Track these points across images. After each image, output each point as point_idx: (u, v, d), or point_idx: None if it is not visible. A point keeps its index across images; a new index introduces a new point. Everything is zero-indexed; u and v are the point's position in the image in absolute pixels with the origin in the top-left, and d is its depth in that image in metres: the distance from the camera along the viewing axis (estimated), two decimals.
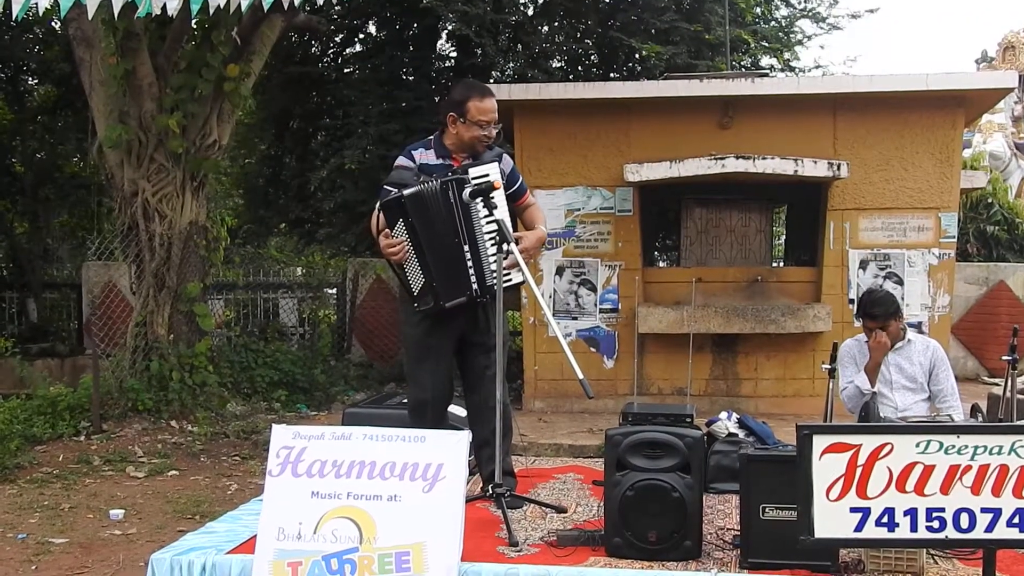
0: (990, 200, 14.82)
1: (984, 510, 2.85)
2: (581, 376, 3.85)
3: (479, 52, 13.57)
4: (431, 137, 4.62)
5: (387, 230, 4.31)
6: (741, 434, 4.92)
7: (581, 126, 9.48)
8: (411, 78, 14.43)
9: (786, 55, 15.22)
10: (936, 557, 3.57)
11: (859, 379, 5.34)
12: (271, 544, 3.41)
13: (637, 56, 13.79)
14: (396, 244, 4.29)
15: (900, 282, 9.22)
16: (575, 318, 9.53)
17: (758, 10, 14.99)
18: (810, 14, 15.57)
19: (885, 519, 2.87)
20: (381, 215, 4.33)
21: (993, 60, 29.81)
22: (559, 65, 14.56)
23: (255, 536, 3.54)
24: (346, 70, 15.39)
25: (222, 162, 10.46)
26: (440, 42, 15.18)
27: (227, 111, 9.99)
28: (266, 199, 16.24)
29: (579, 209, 9.53)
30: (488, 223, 4.27)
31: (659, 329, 9.12)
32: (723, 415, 5.10)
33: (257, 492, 4.12)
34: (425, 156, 4.53)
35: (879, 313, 5.32)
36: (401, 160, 4.55)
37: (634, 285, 9.40)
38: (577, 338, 9.47)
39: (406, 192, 4.25)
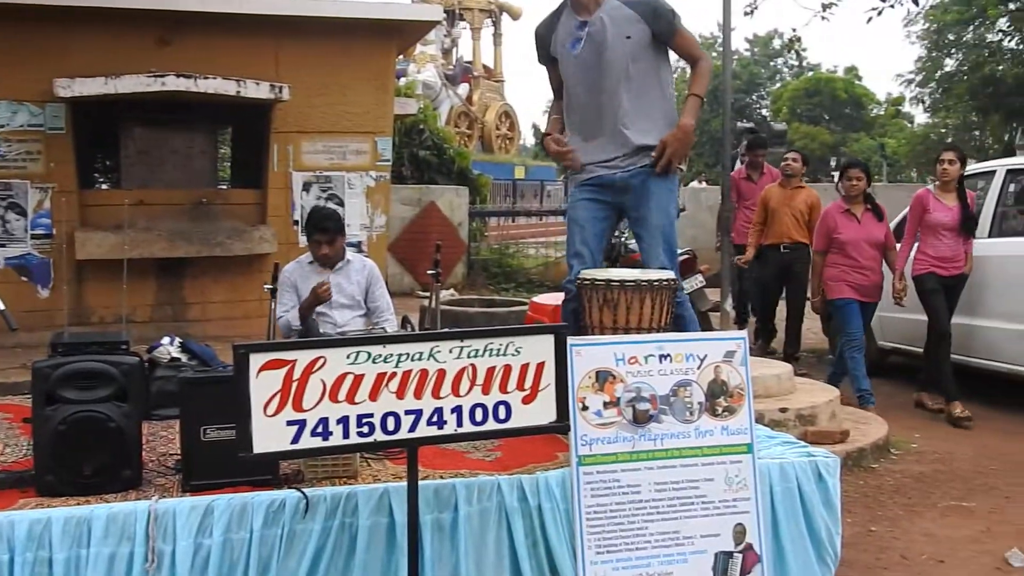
0: (422, 127, 15.90)
1: (408, 412, 3.08)
2: (2, 307, 3.54)
3: None
4: None
5: None
6: (184, 358, 4.85)
7: (6, 34, 8.53)
8: None
9: None
10: (368, 460, 3.83)
11: (291, 315, 5.50)
12: None
13: None
14: None
15: (341, 203, 9.60)
16: (3, 245, 8.70)
17: None
18: None
19: (320, 429, 3.00)
20: None
21: None
22: None
23: None
24: None
25: None
26: None
27: None
28: None
29: (3, 126, 8.64)
30: None
31: (98, 255, 8.63)
32: (165, 340, 4.99)
33: None
34: None
35: (331, 227, 5.54)
36: None
37: (70, 209, 8.79)
38: (6, 267, 8.68)
39: None
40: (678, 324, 4.46)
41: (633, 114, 4.61)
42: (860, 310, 7.20)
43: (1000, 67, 24.14)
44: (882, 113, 54.74)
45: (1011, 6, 22.55)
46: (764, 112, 55.91)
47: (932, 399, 7.50)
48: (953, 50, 26.48)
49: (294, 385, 2.96)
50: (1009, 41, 24.69)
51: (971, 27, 25.42)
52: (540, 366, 3.21)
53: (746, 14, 14.71)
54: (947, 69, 26.94)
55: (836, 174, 7.73)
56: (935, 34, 26.53)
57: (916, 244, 7.36)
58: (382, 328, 5.58)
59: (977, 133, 28.02)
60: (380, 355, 3.06)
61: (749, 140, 10.48)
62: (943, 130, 29.93)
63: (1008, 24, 24.14)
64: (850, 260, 7.20)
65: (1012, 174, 7.71)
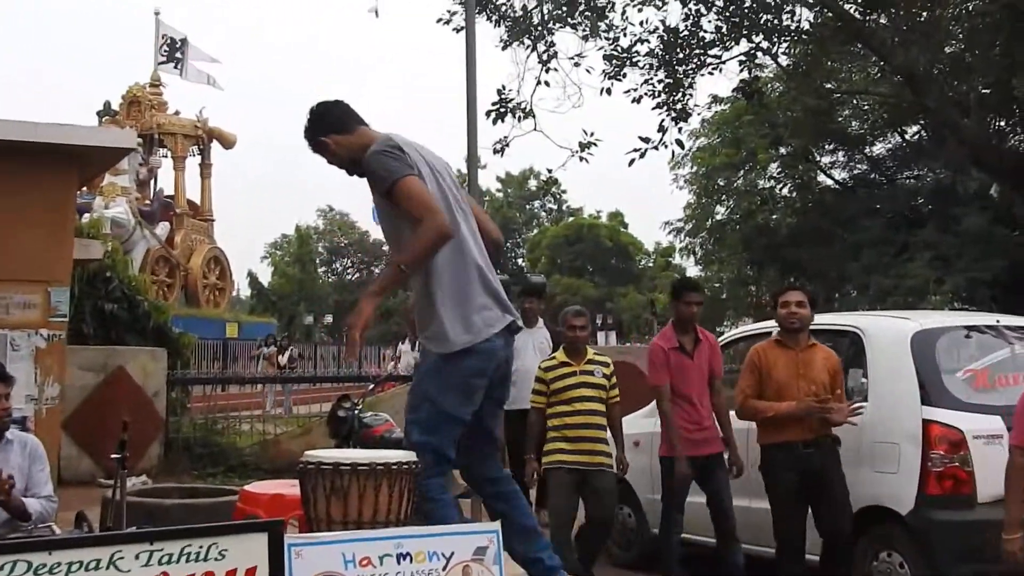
0: (109, 274, 15.41)
1: None
2: None
3: None
4: None
5: None
6: None
7: None
8: None
9: None
10: None
11: None
12: None
13: None
14: None
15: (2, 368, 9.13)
16: None
17: None
18: None
19: None
20: None
21: (118, 114, 31.54)
22: None
23: None
24: None
25: None
26: None
27: None
28: None
29: None
30: None
31: None
32: None
33: None
34: None
35: (9, 376, 5.43)
36: None
37: None
38: None
39: None
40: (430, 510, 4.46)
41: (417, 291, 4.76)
42: None
43: (774, 216, 26.19)
44: (652, 265, 58.07)
45: (782, 151, 24.67)
46: (520, 261, 58.13)
47: None
48: (724, 196, 28.55)
49: None
50: (781, 188, 26.91)
51: (741, 172, 27.55)
52: (250, 572, 3.14)
53: (495, 151, 15.27)
54: (718, 217, 28.96)
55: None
56: (704, 178, 28.55)
57: None
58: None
59: (753, 288, 30.01)
60: (44, 565, 2.90)
61: (679, 279, 8.72)
62: (717, 284, 31.92)
63: (779, 170, 26.37)
64: None
65: None
